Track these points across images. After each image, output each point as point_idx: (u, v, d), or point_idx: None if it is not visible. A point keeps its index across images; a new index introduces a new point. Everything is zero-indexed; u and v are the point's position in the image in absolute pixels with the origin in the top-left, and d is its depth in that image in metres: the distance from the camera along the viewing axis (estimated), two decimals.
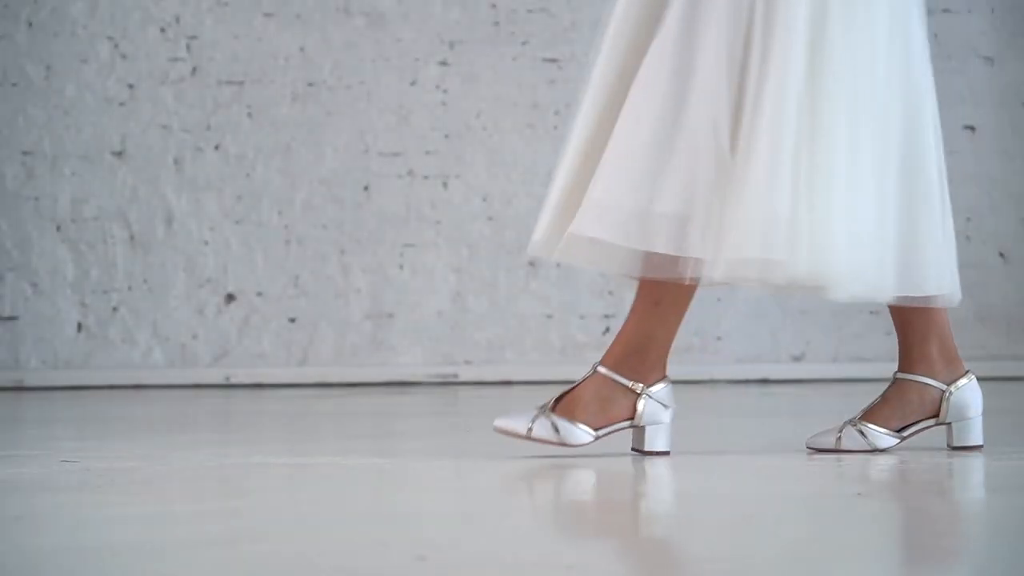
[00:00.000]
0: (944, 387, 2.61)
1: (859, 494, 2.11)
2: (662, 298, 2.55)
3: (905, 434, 2.60)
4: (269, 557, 1.68)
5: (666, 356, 2.56)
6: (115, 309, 4.78)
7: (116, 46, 4.80)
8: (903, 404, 2.62)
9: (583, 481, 2.34)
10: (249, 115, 4.78)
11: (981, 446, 2.60)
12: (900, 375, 2.67)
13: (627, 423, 2.53)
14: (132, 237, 4.79)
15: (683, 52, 2.43)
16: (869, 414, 2.63)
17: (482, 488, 2.28)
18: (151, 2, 4.80)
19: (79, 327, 4.78)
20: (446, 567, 1.62)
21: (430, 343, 4.72)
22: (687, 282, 2.48)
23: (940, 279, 2.58)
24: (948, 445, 2.60)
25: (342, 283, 4.81)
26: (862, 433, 2.60)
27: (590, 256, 2.50)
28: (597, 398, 2.51)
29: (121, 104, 4.79)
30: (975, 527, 1.85)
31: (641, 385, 2.52)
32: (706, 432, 3.16)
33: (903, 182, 2.54)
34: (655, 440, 2.54)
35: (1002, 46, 4.89)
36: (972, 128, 4.89)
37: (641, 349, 2.53)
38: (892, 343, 4.85)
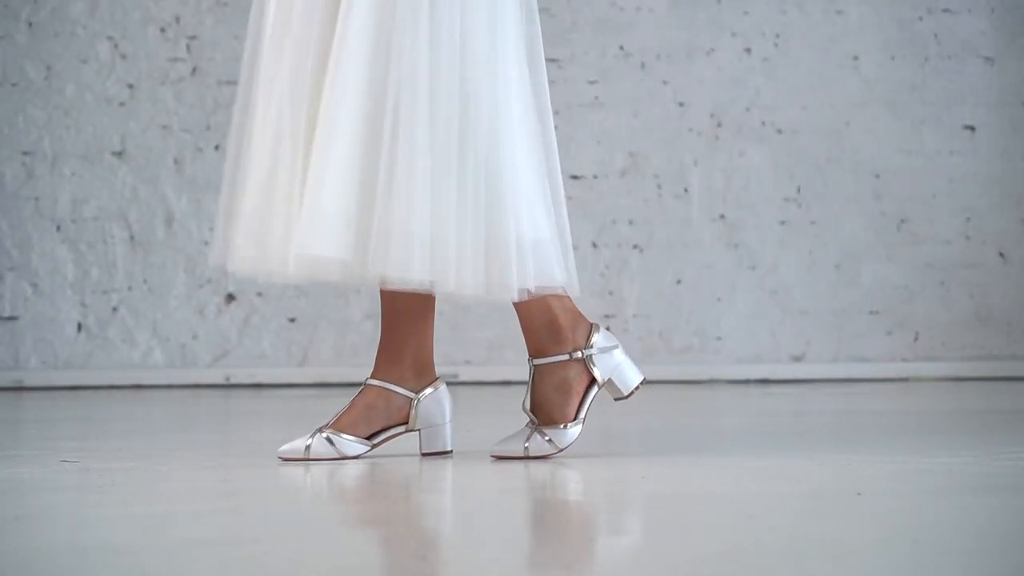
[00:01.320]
0: (413, 395, 2.58)
1: (859, 494, 2.11)
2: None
3: (376, 441, 2.58)
4: (269, 557, 1.68)
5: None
6: (115, 309, 4.78)
7: (116, 46, 4.80)
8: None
9: (582, 481, 2.34)
10: None
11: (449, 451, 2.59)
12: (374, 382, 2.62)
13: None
14: (132, 237, 4.79)
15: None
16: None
17: (481, 488, 2.28)
18: (151, 2, 4.80)
19: (79, 327, 4.78)
20: (446, 567, 1.61)
21: None
22: (277, 280, 2.47)
23: (532, 276, 2.45)
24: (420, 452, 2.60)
25: None
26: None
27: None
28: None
29: (121, 104, 4.79)
30: (974, 527, 1.84)
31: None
32: (706, 432, 3.15)
33: (484, 181, 2.42)
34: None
35: (1002, 46, 4.89)
36: (972, 128, 4.89)
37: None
38: (892, 343, 4.87)
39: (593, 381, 2.53)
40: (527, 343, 2.56)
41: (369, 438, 2.57)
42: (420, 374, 2.59)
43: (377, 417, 2.56)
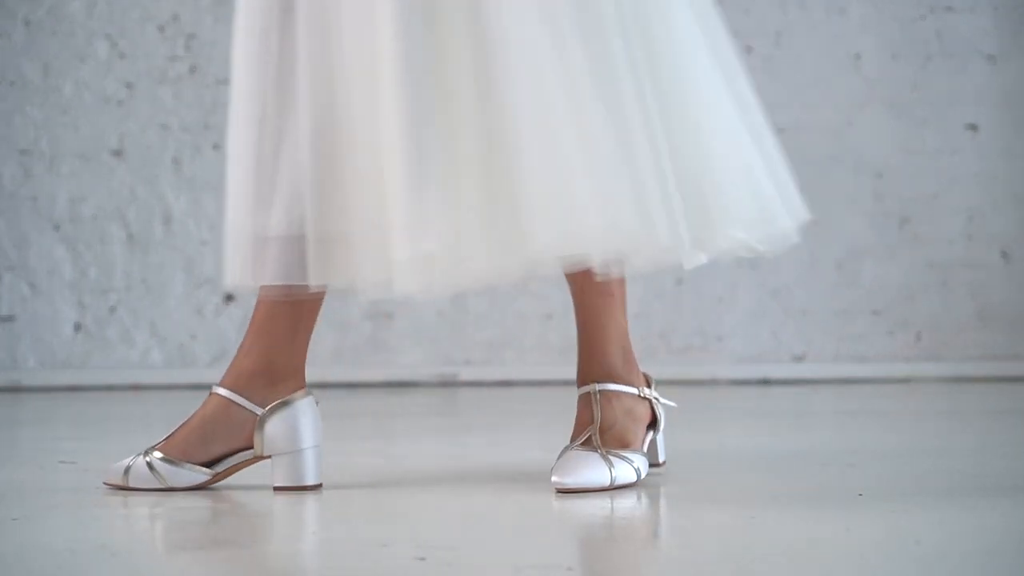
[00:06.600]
0: (259, 411, 2.15)
1: (860, 494, 2.10)
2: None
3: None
4: (269, 557, 1.67)
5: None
6: (113, 309, 4.77)
7: (114, 45, 4.79)
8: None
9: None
10: None
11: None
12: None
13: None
14: (130, 237, 4.78)
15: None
16: None
17: (482, 488, 2.27)
18: (149, 0, 4.79)
19: (77, 327, 4.77)
20: (446, 567, 1.60)
21: (430, 343, 4.71)
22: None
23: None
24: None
25: None
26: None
27: None
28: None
29: (119, 103, 4.78)
30: (976, 528, 1.84)
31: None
32: (706, 432, 3.15)
33: None
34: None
35: (1005, 44, 4.88)
36: (974, 127, 4.88)
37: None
38: (893, 343, 4.86)
39: (655, 422, 2.24)
40: (592, 364, 2.20)
41: (209, 464, 2.14)
42: (275, 382, 2.18)
43: (217, 437, 2.14)
